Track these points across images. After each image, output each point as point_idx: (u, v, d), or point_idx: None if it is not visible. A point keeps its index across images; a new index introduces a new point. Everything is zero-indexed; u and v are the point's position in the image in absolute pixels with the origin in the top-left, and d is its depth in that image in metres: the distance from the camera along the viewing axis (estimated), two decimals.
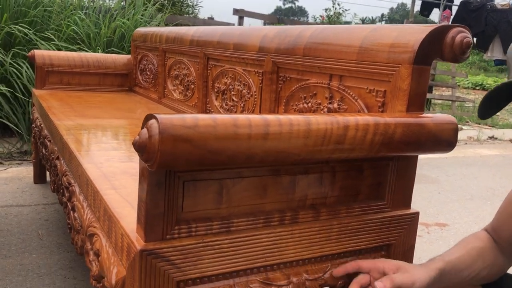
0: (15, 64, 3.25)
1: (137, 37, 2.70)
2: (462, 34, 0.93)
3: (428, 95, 6.75)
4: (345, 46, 1.10)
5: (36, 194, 2.48)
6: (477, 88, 11.17)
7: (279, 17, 8.61)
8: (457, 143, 0.95)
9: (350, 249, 0.96)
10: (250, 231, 0.84)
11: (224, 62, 1.70)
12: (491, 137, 5.61)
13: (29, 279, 1.65)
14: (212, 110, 1.82)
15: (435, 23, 7.34)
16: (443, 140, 0.92)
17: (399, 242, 1.02)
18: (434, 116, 0.93)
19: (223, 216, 0.83)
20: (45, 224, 2.11)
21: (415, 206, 1.04)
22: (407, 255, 1.04)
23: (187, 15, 8.30)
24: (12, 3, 3.49)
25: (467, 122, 6.58)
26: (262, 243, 0.85)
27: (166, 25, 4.81)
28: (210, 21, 7.24)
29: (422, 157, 3.05)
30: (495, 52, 7.72)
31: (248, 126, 0.72)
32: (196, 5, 9.36)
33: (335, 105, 1.13)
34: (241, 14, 7.32)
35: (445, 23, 7.90)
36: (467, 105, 7.84)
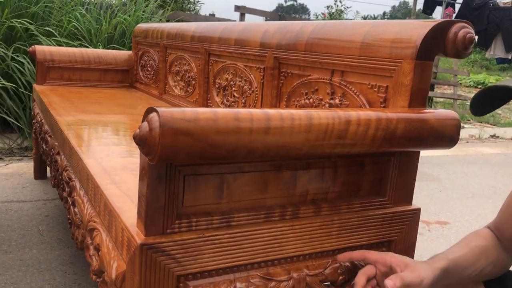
0: (16, 58, 3.24)
1: (138, 33, 2.70)
2: (464, 30, 0.93)
3: (430, 93, 6.74)
4: (347, 42, 1.09)
5: (37, 189, 2.48)
6: (479, 86, 11.16)
7: (281, 14, 8.61)
8: (458, 141, 0.95)
9: (351, 245, 0.96)
10: (251, 226, 0.84)
11: (225, 58, 1.70)
12: (493, 136, 5.61)
13: (29, 274, 1.65)
14: (213, 106, 1.81)
15: None
16: (445, 135, 0.91)
17: (400, 239, 1.02)
18: (436, 112, 0.92)
19: (224, 210, 0.82)
20: (45, 219, 2.11)
21: (416, 203, 1.04)
22: (408, 252, 1.03)
23: (188, 12, 8.28)
24: None
25: (469, 120, 6.58)
26: (263, 238, 0.85)
27: (168, 21, 4.80)
28: (211, 18, 7.24)
29: (423, 155, 3.04)
30: (497, 51, 7.70)
31: (250, 120, 0.72)
32: (197, 1, 9.35)
33: (337, 101, 1.13)
34: (242, 11, 7.31)
35: None
36: (468, 104, 7.82)
